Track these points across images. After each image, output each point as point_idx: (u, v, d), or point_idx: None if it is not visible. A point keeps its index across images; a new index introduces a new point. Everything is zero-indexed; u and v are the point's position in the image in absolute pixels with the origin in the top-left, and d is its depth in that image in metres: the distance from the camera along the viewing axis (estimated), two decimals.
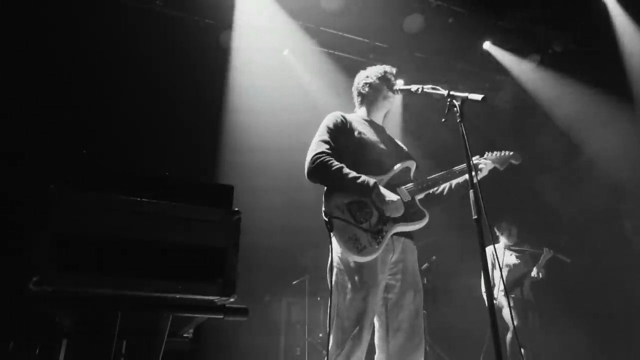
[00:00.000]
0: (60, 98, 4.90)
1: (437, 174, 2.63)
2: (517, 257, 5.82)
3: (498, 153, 2.79)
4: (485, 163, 2.73)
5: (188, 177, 1.72)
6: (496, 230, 5.93)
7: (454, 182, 2.69)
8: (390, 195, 2.43)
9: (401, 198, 2.47)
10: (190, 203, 1.58)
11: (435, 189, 2.68)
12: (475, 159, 2.71)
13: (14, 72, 4.66)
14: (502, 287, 5.47)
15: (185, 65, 5.57)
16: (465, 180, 2.66)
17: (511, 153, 2.80)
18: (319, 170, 2.46)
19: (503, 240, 5.88)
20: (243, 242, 1.59)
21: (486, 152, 2.80)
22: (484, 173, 2.73)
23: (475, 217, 2.00)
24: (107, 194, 1.47)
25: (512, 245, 5.82)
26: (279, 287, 6.06)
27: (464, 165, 2.58)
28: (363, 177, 2.44)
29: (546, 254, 5.61)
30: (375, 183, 2.44)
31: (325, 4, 5.66)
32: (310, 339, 5.50)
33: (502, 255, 5.72)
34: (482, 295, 5.65)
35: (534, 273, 5.62)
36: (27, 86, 4.72)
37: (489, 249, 5.75)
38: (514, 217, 5.99)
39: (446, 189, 2.71)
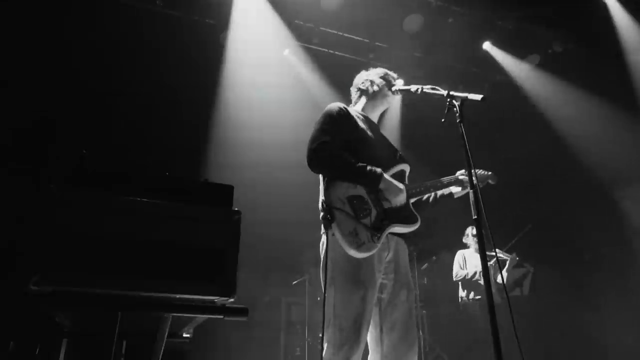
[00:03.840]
0: (59, 97, 4.90)
1: (429, 181, 2.63)
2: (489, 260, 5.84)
3: (478, 171, 2.77)
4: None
5: (188, 176, 1.72)
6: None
7: (439, 193, 2.69)
8: (397, 183, 2.45)
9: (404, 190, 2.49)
10: (190, 203, 1.58)
11: (425, 196, 2.69)
12: (459, 174, 2.70)
13: (13, 72, 4.66)
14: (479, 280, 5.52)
15: (184, 64, 5.58)
16: (451, 193, 2.70)
17: (489, 173, 2.80)
18: (323, 158, 2.41)
19: (473, 245, 5.91)
20: (243, 241, 1.59)
21: (464, 169, 2.78)
22: (467, 190, 2.68)
23: (475, 217, 2.00)
24: (107, 194, 1.47)
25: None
26: (279, 287, 6.06)
27: (451, 177, 2.65)
28: (370, 166, 2.42)
29: (512, 261, 5.66)
30: (381, 172, 2.43)
31: (325, 3, 5.66)
32: (310, 339, 5.51)
33: (474, 259, 5.75)
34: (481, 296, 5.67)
35: (498, 279, 5.58)
36: (26, 86, 4.72)
37: (459, 254, 5.84)
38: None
39: (431, 198, 2.72)
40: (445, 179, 2.65)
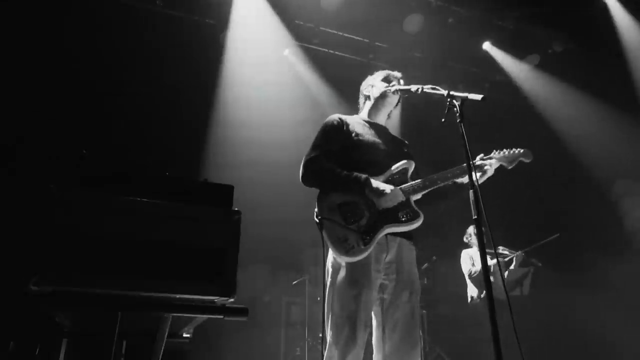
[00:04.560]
0: (59, 97, 4.90)
1: (435, 174, 2.59)
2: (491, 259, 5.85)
3: (507, 151, 2.69)
4: (490, 163, 2.64)
5: (188, 176, 1.72)
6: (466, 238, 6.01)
7: (458, 181, 2.63)
8: (384, 186, 2.45)
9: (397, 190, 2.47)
10: (190, 203, 1.58)
11: (436, 188, 2.61)
12: (479, 159, 2.66)
13: (14, 72, 4.66)
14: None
15: (184, 64, 5.58)
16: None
17: (522, 151, 2.68)
18: (312, 173, 2.53)
19: (476, 244, 5.90)
20: (243, 241, 1.59)
21: (493, 150, 2.71)
22: (490, 173, 2.64)
23: (475, 217, 2.00)
24: (107, 194, 1.47)
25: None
26: (279, 287, 6.06)
27: (465, 165, 2.50)
28: (355, 174, 2.47)
29: (518, 257, 5.64)
30: (366, 177, 2.46)
31: (325, 3, 5.66)
32: (310, 339, 5.50)
33: (478, 258, 5.74)
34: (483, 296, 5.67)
35: (506, 275, 5.61)
36: (27, 86, 4.72)
37: (465, 253, 5.82)
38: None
39: (448, 189, 2.67)
40: (457, 168, 2.57)
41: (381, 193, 2.43)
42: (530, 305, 5.75)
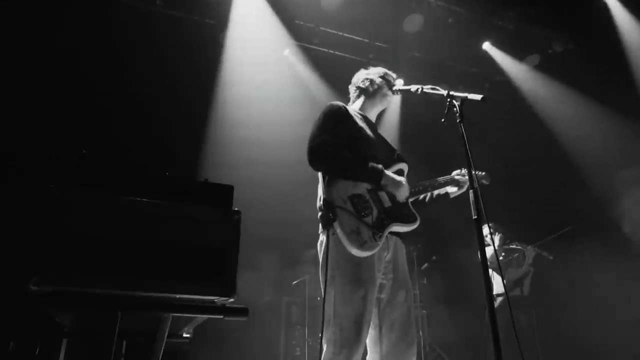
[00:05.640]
0: (59, 97, 4.90)
1: (428, 181, 2.69)
2: (504, 255, 5.85)
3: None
4: (466, 180, 2.75)
5: (188, 176, 1.72)
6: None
7: (435, 192, 2.75)
8: (399, 178, 2.50)
9: (403, 190, 2.51)
10: (190, 203, 1.58)
11: (421, 195, 2.73)
12: (455, 174, 2.77)
13: (14, 72, 4.66)
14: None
15: (184, 64, 5.58)
16: (447, 193, 2.76)
17: (482, 173, 2.88)
18: (325, 153, 2.41)
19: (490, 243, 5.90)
20: (243, 241, 1.59)
21: (462, 168, 2.81)
22: (464, 189, 2.76)
23: (475, 217, 2.00)
24: (107, 194, 1.47)
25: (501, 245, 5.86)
26: (279, 287, 6.06)
27: (447, 177, 2.73)
28: (371, 163, 2.46)
29: (530, 252, 5.65)
30: (382, 168, 2.47)
31: (325, 3, 5.67)
32: (310, 339, 5.50)
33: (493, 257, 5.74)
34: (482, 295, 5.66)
35: (517, 273, 5.66)
36: (27, 85, 4.72)
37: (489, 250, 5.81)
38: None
39: (427, 197, 2.76)
40: (442, 179, 2.72)
41: (399, 183, 2.47)
42: (530, 305, 5.76)
